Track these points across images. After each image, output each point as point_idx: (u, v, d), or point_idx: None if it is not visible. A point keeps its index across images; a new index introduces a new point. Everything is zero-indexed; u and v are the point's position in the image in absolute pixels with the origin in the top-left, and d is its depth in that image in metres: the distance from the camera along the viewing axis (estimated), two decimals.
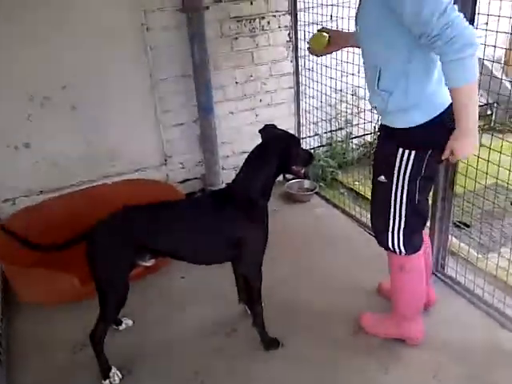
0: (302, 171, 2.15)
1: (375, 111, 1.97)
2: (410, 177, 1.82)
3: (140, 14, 2.99)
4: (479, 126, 1.68)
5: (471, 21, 2.05)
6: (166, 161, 3.41)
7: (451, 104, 1.65)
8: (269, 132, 2.12)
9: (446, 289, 2.47)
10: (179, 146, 3.43)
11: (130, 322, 2.42)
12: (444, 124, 1.71)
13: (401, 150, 1.78)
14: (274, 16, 3.39)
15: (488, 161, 2.20)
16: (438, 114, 1.72)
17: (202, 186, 3.55)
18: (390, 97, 1.73)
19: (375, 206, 2.04)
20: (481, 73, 2.18)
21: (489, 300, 2.29)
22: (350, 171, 3.68)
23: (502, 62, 3.99)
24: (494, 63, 3.09)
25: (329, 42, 2.09)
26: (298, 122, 3.72)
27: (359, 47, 1.88)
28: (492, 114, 3.99)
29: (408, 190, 1.85)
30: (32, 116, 2.94)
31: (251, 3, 3.27)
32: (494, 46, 2.16)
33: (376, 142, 2.03)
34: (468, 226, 2.73)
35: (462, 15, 1.50)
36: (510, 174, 2.13)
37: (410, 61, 1.65)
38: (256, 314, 2.16)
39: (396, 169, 1.81)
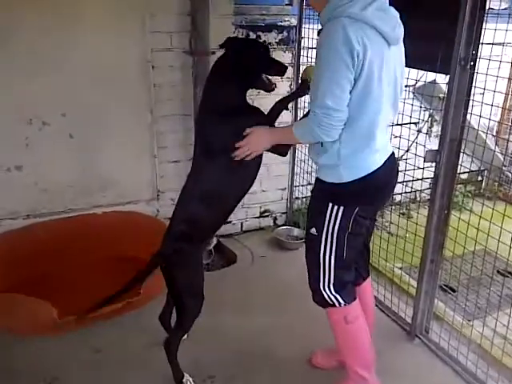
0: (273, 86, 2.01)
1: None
2: (338, 231, 1.84)
3: (147, 52, 3.04)
4: (469, 191, 1.71)
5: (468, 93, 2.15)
6: (158, 196, 3.40)
7: (381, 166, 1.78)
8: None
9: (428, 354, 2.44)
10: (172, 183, 3.42)
11: None
12: (372, 182, 1.79)
13: (331, 204, 1.81)
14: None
15: (478, 229, 2.22)
16: (366, 173, 1.77)
17: None
18: (324, 153, 1.76)
19: (308, 260, 2.02)
20: (474, 142, 2.30)
21: (472, 369, 2.25)
22: None
23: (494, 132, 4.10)
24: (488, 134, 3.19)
25: None
26: (296, 116, 3.60)
27: None
28: (482, 181, 4.08)
29: (337, 245, 1.87)
30: (29, 139, 2.93)
31: None
32: (489, 119, 2.25)
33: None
34: (454, 291, 2.73)
35: None
36: (498, 242, 2.15)
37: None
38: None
39: (326, 222, 1.84)
